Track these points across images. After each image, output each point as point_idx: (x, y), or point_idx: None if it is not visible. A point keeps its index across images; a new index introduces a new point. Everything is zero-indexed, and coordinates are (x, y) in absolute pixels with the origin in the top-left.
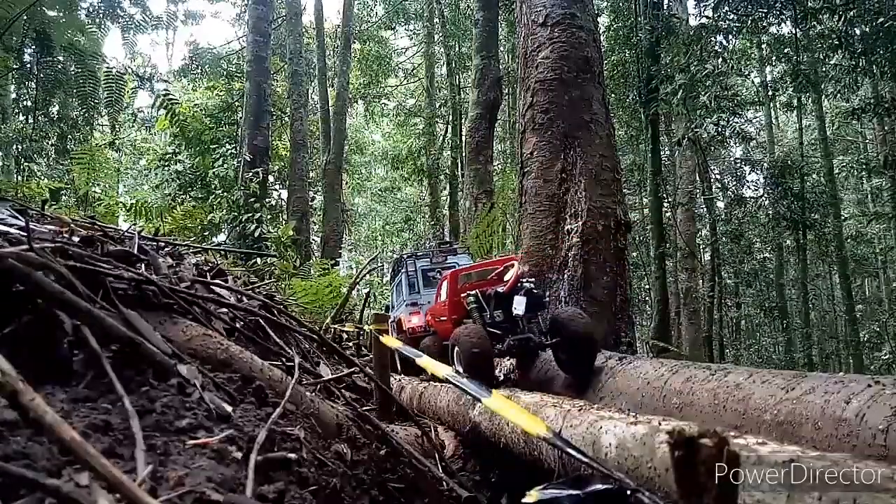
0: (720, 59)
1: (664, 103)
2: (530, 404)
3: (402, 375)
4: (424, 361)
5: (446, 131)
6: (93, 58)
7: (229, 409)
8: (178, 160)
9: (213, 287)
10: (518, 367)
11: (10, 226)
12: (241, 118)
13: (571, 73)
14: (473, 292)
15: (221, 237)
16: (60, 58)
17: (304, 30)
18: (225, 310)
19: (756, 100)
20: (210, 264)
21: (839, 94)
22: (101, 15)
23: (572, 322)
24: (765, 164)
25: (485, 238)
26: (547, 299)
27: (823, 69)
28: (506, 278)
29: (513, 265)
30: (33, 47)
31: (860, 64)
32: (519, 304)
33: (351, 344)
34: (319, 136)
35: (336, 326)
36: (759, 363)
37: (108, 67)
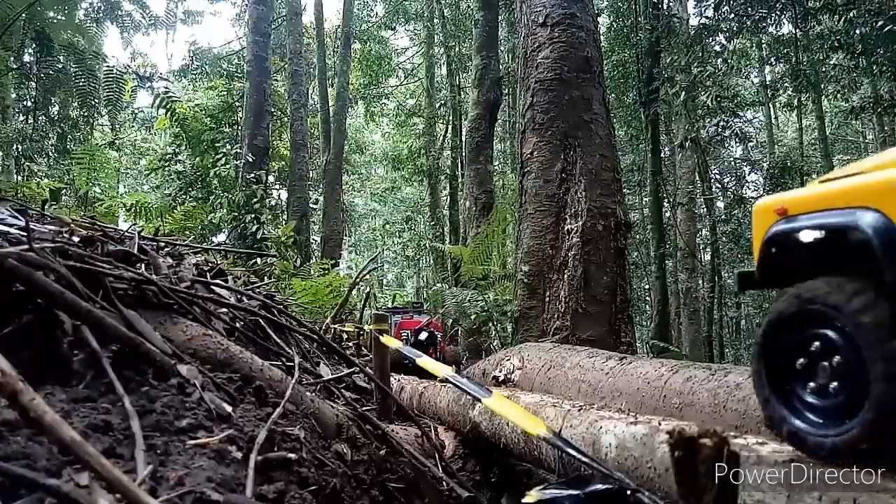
0: (720, 60)
1: (665, 104)
2: (530, 404)
3: (402, 375)
4: (424, 361)
5: (446, 131)
6: (93, 57)
7: (229, 409)
8: (178, 160)
9: (213, 287)
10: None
11: (10, 226)
12: (241, 118)
13: (571, 73)
14: (406, 330)
15: (221, 237)
16: (60, 58)
17: (304, 30)
18: (225, 310)
19: (756, 100)
20: (210, 264)
21: (839, 94)
22: (100, 15)
23: (449, 352)
24: (765, 164)
25: (486, 240)
26: (439, 337)
27: (823, 69)
28: (419, 326)
29: (428, 323)
30: (33, 47)
31: (860, 64)
32: (422, 335)
33: (351, 344)
34: (319, 136)
35: (336, 326)
36: None
37: (108, 67)
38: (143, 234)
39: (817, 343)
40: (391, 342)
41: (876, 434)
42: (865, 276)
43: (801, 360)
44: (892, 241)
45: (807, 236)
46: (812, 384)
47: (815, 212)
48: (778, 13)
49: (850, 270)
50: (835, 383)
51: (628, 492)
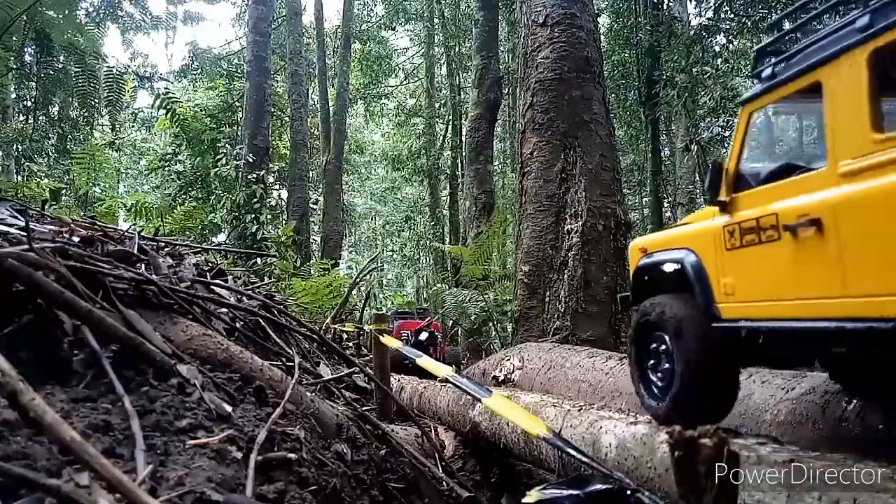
0: (720, 60)
1: (666, 105)
2: (530, 404)
3: (402, 375)
4: (424, 362)
5: (446, 131)
6: (93, 57)
7: (229, 409)
8: (178, 160)
9: (213, 287)
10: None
11: (10, 226)
12: (241, 118)
13: (571, 73)
14: (406, 331)
15: (221, 237)
16: (60, 58)
17: (304, 30)
18: (225, 310)
19: None
20: (210, 264)
21: None
22: (101, 15)
23: (450, 352)
24: None
25: (486, 240)
26: (439, 337)
27: None
28: (419, 327)
29: (429, 324)
30: (33, 47)
31: None
32: (422, 336)
33: (351, 344)
34: (319, 136)
35: (336, 326)
36: None
37: (108, 67)
38: (143, 234)
39: (656, 342)
40: (391, 342)
41: (678, 407)
42: (688, 296)
43: (650, 353)
44: (699, 272)
45: (657, 268)
46: (654, 369)
47: (662, 251)
48: (778, 13)
49: (681, 292)
50: (662, 370)
51: (628, 492)
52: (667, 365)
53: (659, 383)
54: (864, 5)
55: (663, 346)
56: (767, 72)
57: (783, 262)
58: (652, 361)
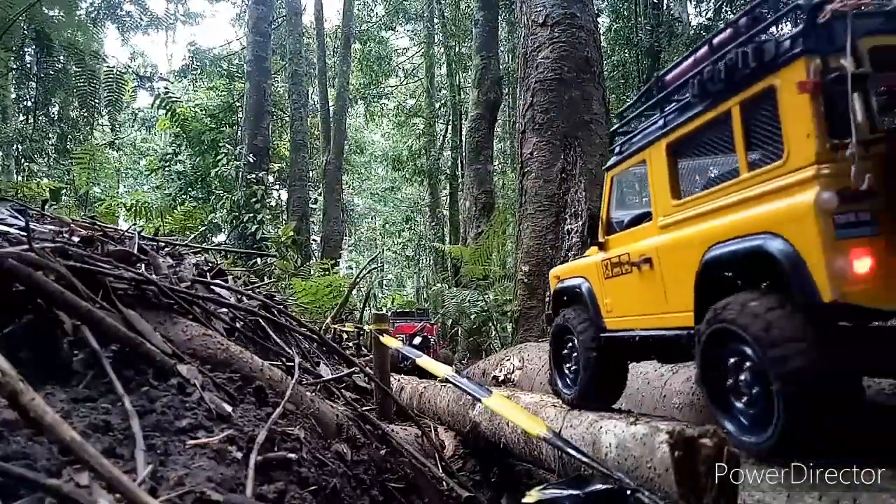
0: None
1: None
2: (530, 404)
3: (402, 375)
4: (424, 361)
5: (446, 131)
6: (93, 57)
7: (229, 409)
8: (178, 160)
9: (213, 287)
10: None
11: (10, 226)
12: (241, 118)
13: (571, 73)
14: (402, 334)
15: (221, 237)
16: (60, 58)
17: (304, 30)
18: (225, 310)
19: None
20: (210, 264)
21: None
22: (100, 14)
23: (442, 356)
24: None
25: (486, 240)
26: (432, 340)
27: None
28: (414, 331)
29: (423, 328)
30: (33, 47)
31: None
32: (416, 340)
33: (351, 344)
34: (319, 136)
35: (336, 326)
36: None
37: (108, 67)
38: (143, 234)
39: (569, 344)
40: (391, 342)
41: (585, 393)
42: (585, 310)
43: (564, 352)
44: (591, 295)
45: (568, 290)
46: (567, 365)
47: (570, 278)
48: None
49: (581, 307)
50: (573, 366)
51: (628, 492)
52: (575, 365)
53: (571, 375)
54: (661, 110)
55: (575, 351)
56: (617, 148)
57: (635, 289)
58: (564, 358)
